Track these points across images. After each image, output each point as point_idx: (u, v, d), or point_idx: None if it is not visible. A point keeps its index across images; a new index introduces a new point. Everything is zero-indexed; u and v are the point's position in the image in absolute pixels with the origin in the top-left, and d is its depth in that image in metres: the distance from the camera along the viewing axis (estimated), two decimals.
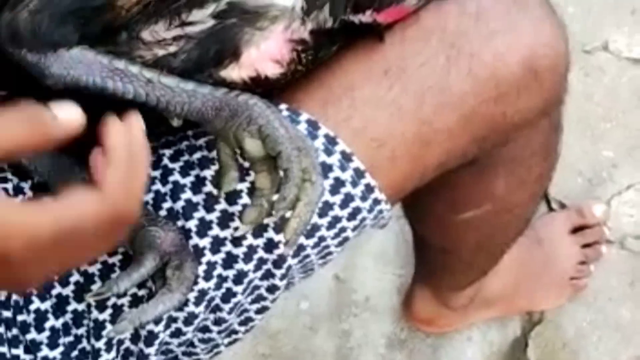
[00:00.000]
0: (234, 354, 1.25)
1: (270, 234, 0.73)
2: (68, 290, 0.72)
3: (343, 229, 0.75)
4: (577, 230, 1.29)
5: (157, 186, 0.73)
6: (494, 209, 0.92)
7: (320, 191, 0.62)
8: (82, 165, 0.69)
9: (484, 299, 1.24)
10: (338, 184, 0.73)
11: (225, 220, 0.72)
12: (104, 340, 0.72)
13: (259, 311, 0.77)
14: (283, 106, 0.74)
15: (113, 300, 0.72)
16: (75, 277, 0.72)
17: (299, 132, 0.65)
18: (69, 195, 0.50)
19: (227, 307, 0.74)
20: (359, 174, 0.74)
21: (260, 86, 0.67)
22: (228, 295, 0.74)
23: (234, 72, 0.67)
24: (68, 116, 0.52)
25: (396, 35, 0.75)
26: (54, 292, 0.72)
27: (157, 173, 0.73)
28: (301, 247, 0.74)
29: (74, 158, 0.71)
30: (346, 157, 0.73)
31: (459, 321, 1.27)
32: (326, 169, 0.72)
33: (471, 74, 0.74)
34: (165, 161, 0.73)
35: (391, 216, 0.80)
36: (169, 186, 0.72)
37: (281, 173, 0.65)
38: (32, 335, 0.71)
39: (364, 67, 0.74)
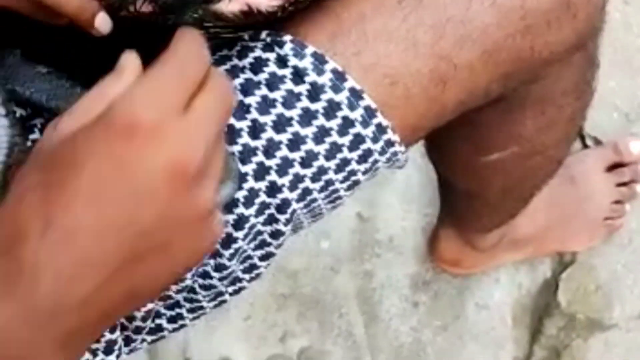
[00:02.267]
0: (251, 291, 1.21)
1: (273, 176, 0.70)
2: None
3: (353, 172, 0.72)
4: (612, 168, 1.26)
5: None
6: (522, 151, 0.88)
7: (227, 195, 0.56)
8: (83, 86, 0.65)
9: (513, 240, 1.21)
10: (347, 123, 0.70)
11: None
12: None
13: (263, 258, 0.74)
14: (287, 38, 0.70)
15: None
16: None
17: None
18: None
19: (227, 252, 0.72)
20: (369, 112, 0.70)
21: (256, 21, 0.62)
22: (228, 241, 0.71)
23: (224, 6, 0.62)
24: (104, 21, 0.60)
25: None
26: None
27: None
28: (307, 191, 0.71)
29: (72, 80, 0.67)
30: (356, 95, 0.69)
31: (486, 262, 1.25)
32: (334, 107, 0.69)
33: (496, 3, 0.70)
34: None
35: (407, 158, 0.76)
36: None
37: None
38: None
39: None
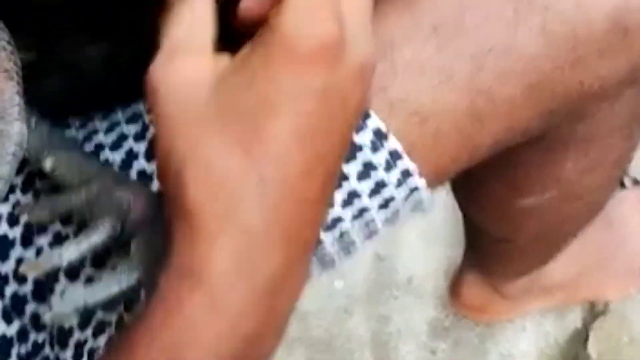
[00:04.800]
0: None
1: None
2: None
3: (371, 221, 0.66)
4: None
5: (130, 143, 0.64)
6: (561, 195, 0.82)
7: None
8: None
9: (542, 287, 1.16)
10: (368, 168, 0.63)
11: None
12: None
13: None
14: None
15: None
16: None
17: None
18: None
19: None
20: (394, 156, 0.63)
21: None
22: None
23: None
24: None
25: None
26: None
27: (131, 129, 0.65)
28: (318, 242, 0.64)
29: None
30: (380, 136, 0.63)
31: (512, 310, 1.19)
32: (355, 150, 0.62)
33: (544, 31, 0.63)
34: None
35: (433, 203, 0.69)
36: (143, 144, 0.64)
37: None
38: None
39: (407, 20, 0.63)
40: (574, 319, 1.23)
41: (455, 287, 1.20)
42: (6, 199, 0.64)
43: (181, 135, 0.46)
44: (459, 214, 1.05)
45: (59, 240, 0.63)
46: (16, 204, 0.64)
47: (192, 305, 0.46)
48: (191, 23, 0.47)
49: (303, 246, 0.47)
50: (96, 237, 0.56)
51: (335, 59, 0.44)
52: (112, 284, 0.56)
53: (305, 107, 0.44)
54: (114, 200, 0.58)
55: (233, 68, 0.45)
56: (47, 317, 0.56)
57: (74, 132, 0.66)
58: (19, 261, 0.64)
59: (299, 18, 0.44)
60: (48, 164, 0.59)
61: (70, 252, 0.56)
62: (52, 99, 0.63)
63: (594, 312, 1.24)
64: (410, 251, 1.27)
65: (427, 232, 1.27)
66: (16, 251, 0.63)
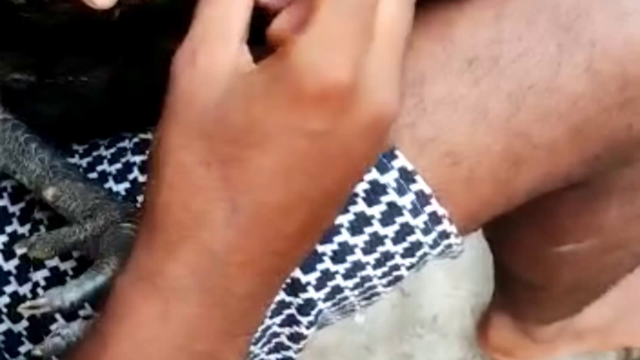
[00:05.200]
0: None
1: (297, 273, 0.60)
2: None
3: (395, 267, 0.62)
4: None
5: (135, 173, 0.61)
6: (601, 245, 0.78)
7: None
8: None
9: (575, 331, 1.11)
10: (393, 211, 0.59)
11: None
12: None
13: None
14: None
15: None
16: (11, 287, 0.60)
17: None
18: None
19: None
20: (422, 199, 0.59)
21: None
22: None
23: None
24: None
25: (489, 10, 0.59)
26: None
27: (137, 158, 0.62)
28: (337, 289, 0.61)
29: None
30: (407, 176, 0.59)
31: (542, 354, 1.15)
32: (378, 190, 0.58)
33: (591, 70, 0.58)
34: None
35: (463, 249, 0.65)
36: None
37: None
38: None
39: (439, 52, 0.59)
40: None
41: (482, 328, 1.16)
42: (2, 230, 0.60)
43: (173, 131, 0.44)
44: (488, 250, 1.00)
45: (56, 276, 0.60)
46: (13, 235, 0.60)
47: (144, 312, 0.45)
48: (227, 6, 0.44)
49: (267, 279, 0.46)
50: (101, 277, 0.53)
51: (342, 108, 0.42)
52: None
53: (297, 147, 0.43)
54: (121, 235, 0.55)
55: (243, 76, 0.43)
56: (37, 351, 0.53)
57: (77, 160, 0.62)
58: (14, 297, 0.60)
59: (313, 54, 0.41)
60: (49, 193, 0.56)
61: (72, 294, 0.52)
62: (52, 124, 0.59)
63: (630, 358, 1.20)
64: (436, 287, 1.23)
65: (454, 268, 1.23)
66: (11, 286, 0.60)
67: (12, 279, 0.60)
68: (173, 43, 0.50)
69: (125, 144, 0.62)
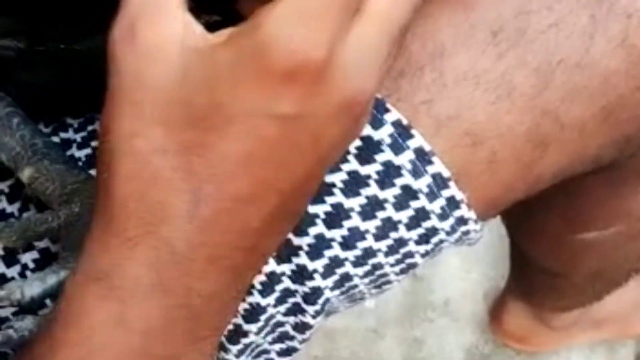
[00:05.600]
0: None
1: (302, 259, 0.56)
2: None
3: (409, 254, 0.59)
4: None
5: None
6: (627, 231, 0.76)
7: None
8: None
9: (593, 320, 1.11)
10: (407, 194, 0.55)
11: None
12: None
13: (282, 353, 0.62)
14: None
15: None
16: None
17: None
18: None
19: (234, 348, 0.60)
20: (440, 182, 0.56)
21: None
22: (236, 335, 0.59)
23: None
24: None
25: None
26: None
27: None
28: (346, 277, 0.58)
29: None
30: (423, 158, 0.55)
31: (558, 342, 1.15)
32: (392, 172, 0.55)
33: (626, 43, 0.55)
34: None
35: (482, 236, 0.61)
36: None
37: None
38: None
39: (461, 22, 0.55)
40: (626, 354, 1.20)
41: (496, 313, 1.16)
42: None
43: (124, 116, 0.40)
44: (503, 230, 1.01)
45: (46, 258, 0.57)
46: (1, 214, 0.58)
47: (98, 316, 0.42)
48: None
49: (235, 276, 0.43)
50: (65, 272, 0.51)
51: (313, 87, 0.39)
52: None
53: (263, 133, 0.39)
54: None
55: (201, 52, 0.39)
56: None
57: (71, 134, 0.58)
58: (0, 280, 0.57)
59: (286, 27, 0.38)
60: (26, 173, 0.53)
61: (33, 289, 0.50)
62: (42, 94, 0.55)
63: None
64: (448, 271, 1.24)
65: (467, 251, 1.19)
66: None
67: None
68: None
69: None
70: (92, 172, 0.56)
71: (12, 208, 0.58)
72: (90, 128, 0.59)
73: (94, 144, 0.58)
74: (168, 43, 0.39)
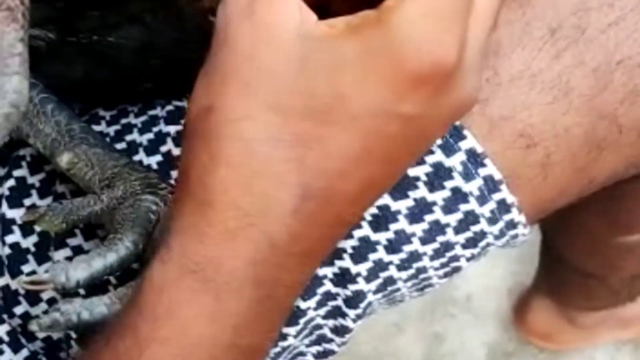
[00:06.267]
0: None
1: (346, 262, 0.55)
2: None
3: (454, 258, 0.57)
4: None
5: (169, 145, 0.56)
6: None
7: None
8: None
9: (620, 319, 1.09)
10: (457, 197, 0.54)
11: None
12: None
13: (320, 355, 0.61)
14: None
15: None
16: None
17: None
18: None
19: (272, 351, 0.58)
20: (491, 185, 0.54)
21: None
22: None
23: None
24: None
25: None
26: None
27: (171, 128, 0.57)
28: (390, 281, 0.57)
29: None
30: (475, 160, 0.54)
31: (583, 340, 1.13)
32: (442, 174, 0.54)
33: None
34: None
35: (527, 239, 0.59)
36: None
37: None
38: None
39: (518, 19, 0.54)
40: None
41: (520, 310, 1.14)
42: (20, 203, 0.56)
43: (234, 96, 0.38)
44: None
45: (79, 255, 0.55)
46: (43, 233, 0.56)
47: (191, 310, 0.40)
48: None
49: (317, 264, 0.43)
50: (113, 255, 0.48)
51: (441, 91, 0.38)
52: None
53: (383, 131, 0.38)
54: (140, 209, 0.50)
55: (321, 40, 0.37)
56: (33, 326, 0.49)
57: (104, 127, 0.57)
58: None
59: (419, 28, 0.36)
60: (64, 159, 0.51)
61: (79, 272, 0.48)
62: (74, 87, 0.53)
63: None
64: (471, 266, 1.19)
65: None
66: (29, 265, 0.56)
67: (30, 257, 0.55)
68: (209, 0, 0.45)
69: (158, 111, 0.56)
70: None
71: (43, 203, 0.56)
72: (123, 121, 0.57)
73: (128, 138, 0.56)
74: (287, 28, 0.38)
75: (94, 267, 0.48)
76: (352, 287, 0.55)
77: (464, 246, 0.56)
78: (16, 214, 0.55)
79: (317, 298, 0.55)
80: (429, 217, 0.54)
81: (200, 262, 0.40)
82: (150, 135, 0.56)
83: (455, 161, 0.53)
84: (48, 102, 0.52)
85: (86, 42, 0.52)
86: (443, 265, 0.57)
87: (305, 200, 0.39)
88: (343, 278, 0.55)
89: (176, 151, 0.56)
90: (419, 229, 0.54)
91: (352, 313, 0.56)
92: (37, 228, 0.52)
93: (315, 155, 0.38)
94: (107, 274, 0.49)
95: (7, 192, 0.56)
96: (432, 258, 0.56)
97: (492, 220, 0.54)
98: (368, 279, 0.55)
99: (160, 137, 0.56)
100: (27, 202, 0.56)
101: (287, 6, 0.37)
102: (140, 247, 0.49)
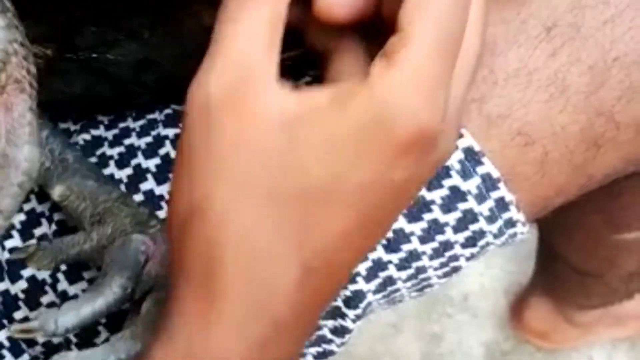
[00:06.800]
0: None
1: None
2: None
3: (454, 258, 0.57)
4: None
5: (168, 148, 0.56)
6: None
7: None
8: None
9: (616, 316, 1.10)
10: (456, 196, 0.54)
11: None
12: None
13: (319, 356, 0.61)
14: None
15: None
16: None
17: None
18: None
19: None
20: (489, 183, 0.54)
21: None
22: None
23: None
24: None
25: None
26: None
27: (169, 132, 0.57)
28: (389, 281, 0.56)
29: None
30: (473, 158, 0.54)
31: (580, 338, 1.13)
32: (440, 173, 0.53)
33: None
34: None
35: (525, 238, 0.60)
36: None
37: None
38: None
39: (513, 17, 0.54)
40: None
41: (517, 309, 1.14)
42: (29, 233, 0.56)
43: (223, 184, 0.37)
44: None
45: (78, 262, 0.55)
46: (43, 237, 0.56)
47: None
48: (254, 29, 0.37)
49: (310, 334, 0.45)
50: (102, 300, 0.49)
51: (428, 151, 0.38)
52: (110, 354, 0.49)
53: (376, 201, 0.38)
54: (129, 250, 0.50)
55: (302, 115, 0.37)
56: None
57: (102, 132, 0.57)
58: (31, 282, 0.56)
59: (404, 93, 0.36)
60: (57, 192, 0.52)
61: (68, 319, 0.48)
62: (73, 102, 0.54)
63: None
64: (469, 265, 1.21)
65: None
66: (28, 270, 0.56)
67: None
68: (208, 16, 0.44)
69: (156, 115, 0.56)
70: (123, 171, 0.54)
71: (51, 231, 0.56)
72: (121, 125, 0.57)
73: (127, 141, 0.56)
74: (273, 111, 0.37)
75: (82, 314, 0.49)
76: (352, 287, 0.55)
77: (463, 245, 0.56)
78: (16, 218, 0.55)
79: None
80: (427, 216, 0.54)
81: (200, 355, 0.40)
82: (149, 139, 0.56)
83: (453, 160, 0.53)
84: (43, 128, 0.51)
85: (85, 58, 0.52)
86: (442, 265, 0.57)
87: (308, 276, 0.39)
88: None
89: (174, 154, 0.55)
90: (417, 227, 0.54)
91: (351, 313, 0.56)
92: (28, 266, 0.52)
93: (314, 235, 0.38)
94: (96, 318, 0.49)
95: None
96: (431, 257, 0.56)
97: (491, 219, 0.54)
98: (367, 279, 0.54)
99: (159, 140, 0.56)
100: (38, 231, 0.56)
101: (270, 91, 0.37)
102: (128, 290, 0.49)
